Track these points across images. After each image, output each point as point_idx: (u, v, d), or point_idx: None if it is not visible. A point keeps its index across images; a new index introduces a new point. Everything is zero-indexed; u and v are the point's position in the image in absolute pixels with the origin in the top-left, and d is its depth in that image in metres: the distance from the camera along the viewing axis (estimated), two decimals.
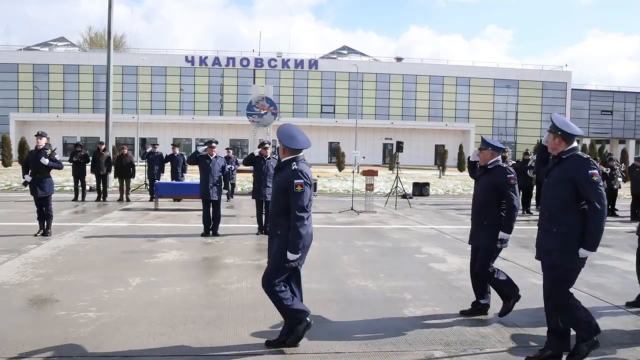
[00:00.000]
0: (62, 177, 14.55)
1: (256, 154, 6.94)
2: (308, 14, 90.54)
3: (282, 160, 2.84)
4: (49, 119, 37.66)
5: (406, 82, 42.75)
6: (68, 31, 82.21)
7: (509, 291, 3.42)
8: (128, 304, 3.60)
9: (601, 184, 2.61)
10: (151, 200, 10.37)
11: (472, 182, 13.93)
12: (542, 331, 3.24)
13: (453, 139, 41.06)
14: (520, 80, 43.62)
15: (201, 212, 6.74)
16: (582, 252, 2.57)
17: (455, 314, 3.54)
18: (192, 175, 13.59)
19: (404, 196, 11.68)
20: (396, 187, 11.29)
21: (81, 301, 3.61)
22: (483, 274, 3.41)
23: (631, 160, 22.22)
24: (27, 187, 6.33)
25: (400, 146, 11.45)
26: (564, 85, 43.94)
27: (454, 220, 8.96)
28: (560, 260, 2.62)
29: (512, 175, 3.31)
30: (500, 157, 3.47)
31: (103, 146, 11.22)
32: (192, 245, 5.91)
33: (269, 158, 6.84)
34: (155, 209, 9.29)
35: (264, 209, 6.80)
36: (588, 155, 2.66)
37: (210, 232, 6.58)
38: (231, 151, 11.73)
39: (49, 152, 6.18)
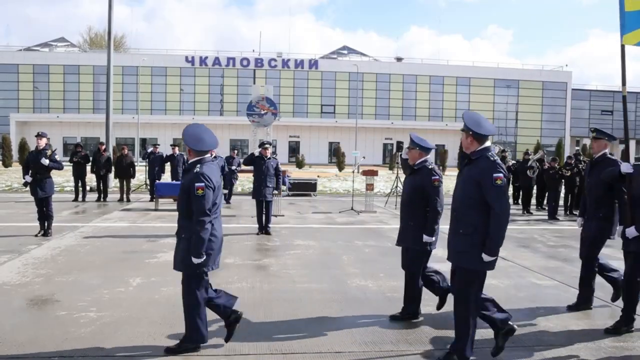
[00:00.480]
0: (63, 178, 14.56)
1: (256, 154, 6.95)
2: (308, 14, 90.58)
3: (189, 162, 2.81)
4: (49, 120, 37.69)
5: (406, 82, 42.76)
6: (69, 32, 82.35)
7: (441, 292, 3.38)
8: (128, 304, 3.60)
9: (505, 188, 2.52)
10: (151, 200, 10.38)
11: None
12: (542, 330, 3.24)
13: (453, 139, 41.04)
14: (520, 80, 43.62)
15: None
16: (484, 256, 2.50)
17: None
18: None
19: None
20: (396, 187, 11.29)
21: (82, 301, 3.62)
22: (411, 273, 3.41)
23: (631, 160, 22.19)
24: (28, 188, 6.33)
25: (400, 146, 11.45)
26: (564, 85, 43.93)
27: None
28: (466, 263, 2.56)
29: (437, 177, 3.21)
30: (428, 157, 3.37)
31: (103, 146, 11.23)
32: None
33: (269, 158, 6.85)
34: (156, 209, 9.30)
35: (264, 209, 6.81)
36: (496, 158, 2.56)
37: None
38: (235, 151, 11.87)
39: (49, 152, 6.18)
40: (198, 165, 2.72)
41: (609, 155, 3.59)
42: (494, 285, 4.34)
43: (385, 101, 42.66)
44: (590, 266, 3.65)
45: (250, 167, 7.20)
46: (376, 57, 45.38)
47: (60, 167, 6.37)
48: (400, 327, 3.27)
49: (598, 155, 3.64)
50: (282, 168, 7.66)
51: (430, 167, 3.28)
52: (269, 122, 14.53)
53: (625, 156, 3.37)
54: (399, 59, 44.97)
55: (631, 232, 3.16)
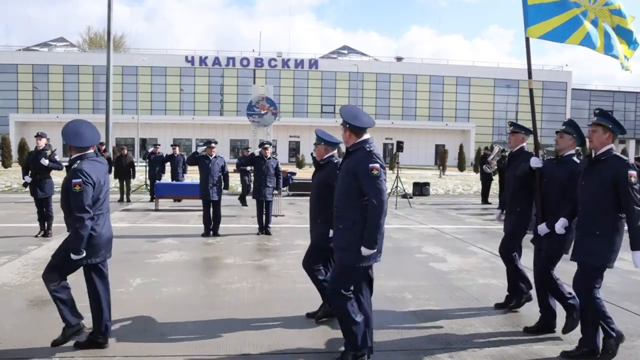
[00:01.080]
0: (63, 178, 14.53)
1: (256, 154, 6.95)
2: (310, 14, 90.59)
3: (70, 158, 2.83)
4: (48, 120, 37.67)
5: (406, 82, 42.77)
6: (69, 32, 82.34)
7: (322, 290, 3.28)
8: (129, 305, 3.60)
9: (382, 178, 2.45)
10: (152, 200, 10.38)
11: (472, 182, 14.03)
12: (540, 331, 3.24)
13: (453, 138, 41.06)
14: (520, 80, 43.61)
15: (201, 213, 6.75)
16: (362, 249, 2.44)
17: (456, 313, 3.54)
18: (193, 175, 13.59)
19: (405, 196, 11.69)
20: (396, 186, 11.29)
21: (82, 302, 3.61)
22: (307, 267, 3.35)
23: (631, 160, 22.21)
24: (27, 188, 6.33)
25: (400, 146, 11.46)
26: (564, 85, 43.96)
27: (454, 220, 8.97)
28: (345, 258, 2.51)
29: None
30: (335, 152, 3.28)
31: (103, 147, 11.22)
32: (192, 246, 5.91)
33: (269, 158, 6.85)
34: (156, 210, 9.30)
35: (264, 209, 6.81)
36: (373, 148, 2.49)
37: (211, 232, 6.58)
38: (247, 150, 11.16)
39: (48, 153, 6.18)
40: (78, 162, 2.71)
41: (526, 150, 3.57)
42: (494, 285, 4.34)
43: (386, 101, 42.67)
44: (510, 259, 3.62)
45: (250, 167, 7.20)
46: (376, 57, 45.41)
47: (60, 167, 6.37)
48: (401, 326, 3.27)
49: (516, 149, 3.61)
50: (282, 168, 7.66)
51: (335, 161, 3.02)
52: (269, 122, 14.54)
53: (535, 149, 3.31)
54: (399, 59, 44.99)
55: (542, 228, 3.09)
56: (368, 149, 2.49)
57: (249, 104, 14.53)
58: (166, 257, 5.25)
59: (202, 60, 40.87)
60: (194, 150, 7.62)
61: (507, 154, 12.06)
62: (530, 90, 3.48)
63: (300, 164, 29.30)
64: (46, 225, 6.26)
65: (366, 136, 2.56)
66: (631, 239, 2.68)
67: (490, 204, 11.72)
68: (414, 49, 77.68)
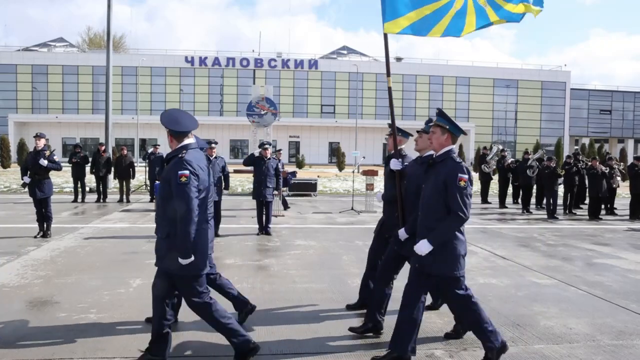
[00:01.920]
0: (62, 179, 14.54)
1: (256, 154, 6.95)
2: (311, 14, 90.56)
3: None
4: (48, 120, 37.66)
5: (406, 82, 42.79)
6: (69, 32, 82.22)
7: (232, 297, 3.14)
8: (129, 306, 3.59)
9: (190, 185, 2.35)
10: (151, 201, 10.37)
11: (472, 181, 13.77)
12: (542, 330, 3.24)
13: None
14: (519, 80, 43.67)
15: None
16: (179, 259, 2.38)
17: None
18: None
19: None
20: None
21: (82, 303, 3.61)
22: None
23: (630, 160, 22.26)
24: (26, 189, 6.32)
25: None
26: (563, 84, 43.99)
27: None
28: (166, 266, 2.47)
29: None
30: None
31: (103, 147, 11.21)
32: None
33: (269, 158, 6.85)
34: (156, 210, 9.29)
35: (264, 210, 6.81)
36: (183, 155, 2.43)
37: None
38: (280, 151, 10.02)
39: (47, 153, 6.17)
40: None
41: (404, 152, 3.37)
42: (494, 285, 4.34)
43: (385, 101, 42.46)
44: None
45: (250, 168, 7.20)
46: (376, 57, 45.41)
47: (58, 167, 6.36)
48: None
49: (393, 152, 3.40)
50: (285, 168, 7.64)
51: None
52: (269, 122, 14.54)
53: (395, 150, 3.19)
54: (398, 59, 45.00)
55: (402, 233, 2.92)
56: (180, 156, 2.44)
57: (248, 104, 14.52)
58: None
59: (202, 61, 40.86)
60: None
61: (506, 153, 12.11)
62: (389, 89, 3.37)
63: (300, 164, 29.30)
64: (45, 226, 6.25)
65: (186, 141, 2.52)
66: (433, 232, 2.47)
67: (489, 203, 11.73)
68: (414, 49, 77.75)
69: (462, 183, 2.43)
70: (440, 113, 2.67)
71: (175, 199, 2.41)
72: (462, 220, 2.47)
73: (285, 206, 9.60)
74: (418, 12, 3.19)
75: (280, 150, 10.70)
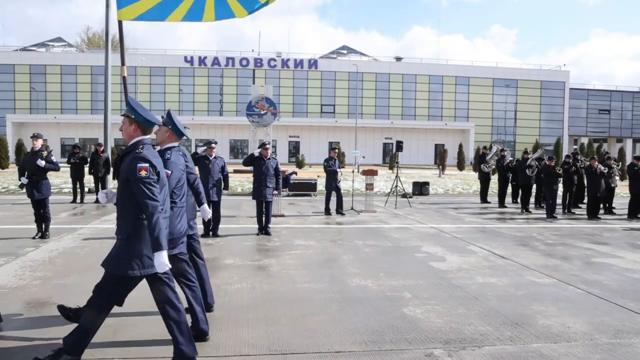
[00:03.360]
0: (61, 179, 14.52)
1: (256, 154, 6.94)
2: (313, 14, 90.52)
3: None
4: (46, 121, 37.61)
5: (406, 82, 42.82)
6: (69, 32, 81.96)
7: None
8: (128, 305, 3.58)
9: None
10: None
11: (472, 181, 14.08)
12: (540, 329, 3.25)
13: (453, 138, 41.11)
14: (519, 79, 43.73)
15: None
16: None
17: (455, 312, 3.55)
18: None
19: (404, 195, 11.70)
20: (396, 186, 11.30)
21: (80, 304, 3.61)
22: None
23: (629, 159, 22.31)
24: (24, 190, 6.31)
25: (400, 146, 11.47)
26: (562, 84, 44.06)
27: (453, 219, 8.97)
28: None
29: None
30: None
31: (101, 148, 11.19)
32: None
33: (269, 158, 6.85)
34: None
35: (264, 210, 6.80)
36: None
37: (210, 233, 6.57)
38: (335, 151, 9.45)
39: (45, 153, 6.15)
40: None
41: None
42: (493, 284, 4.35)
43: (385, 101, 42.70)
44: None
45: (250, 168, 7.19)
46: (376, 57, 45.43)
47: (56, 168, 6.34)
48: (400, 325, 3.27)
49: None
50: (282, 168, 7.64)
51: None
52: (268, 122, 14.53)
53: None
54: (398, 59, 45.04)
55: None
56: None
57: (248, 104, 14.51)
58: None
59: (202, 61, 40.84)
60: (193, 150, 7.57)
61: (506, 153, 12.13)
62: (123, 79, 3.34)
63: (300, 164, 29.28)
64: (43, 227, 6.23)
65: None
66: (151, 240, 2.34)
67: (489, 203, 11.74)
68: (415, 49, 77.79)
69: (142, 173, 2.32)
70: (129, 102, 2.54)
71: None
72: (155, 206, 2.31)
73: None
74: None
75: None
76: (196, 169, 6.51)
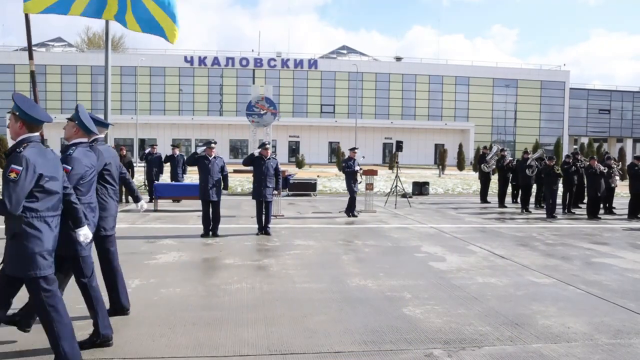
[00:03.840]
0: None
1: (256, 154, 6.95)
2: (313, 14, 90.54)
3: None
4: None
5: (406, 82, 42.82)
6: (70, 32, 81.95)
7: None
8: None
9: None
10: (150, 201, 10.36)
11: (472, 181, 14.09)
12: (540, 329, 3.25)
13: (452, 138, 41.12)
14: (519, 79, 43.72)
15: (201, 213, 6.74)
16: None
17: (455, 312, 3.55)
18: (192, 176, 13.59)
19: (404, 195, 11.70)
20: (396, 186, 11.30)
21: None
22: None
23: (629, 159, 22.30)
24: None
25: (400, 145, 11.47)
26: (562, 84, 44.06)
27: (453, 219, 8.98)
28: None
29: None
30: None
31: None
32: (191, 246, 5.90)
33: (269, 158, 6.85)
34: (155, 210, 9.29)
35: (263, 209, 6.81)
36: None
37: (210, 233, 6.58)
38: (355, 151, 9.11)
39: None
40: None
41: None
42: (493, 284, 4.36)
43: (385, 101, 42.71)
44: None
45: (250, 168, 7.20)
46: (376, 57, 45.44)
47: None
48: (400, 326, 3.27)
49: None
50: (282, 168, 7.64)
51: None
52: (268, 122, 14.54)
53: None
54: (398, 59, 45.05)
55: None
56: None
57: (248, 104, 14.53)
58: (165, 258, 5.25)
59: (201, 61, 40.84)
60: (193, 150, 7.56)
61: (506, 153, 12.14)
62: (32, 73, 3.32)
63: (300, 164, 29.29)
64: None
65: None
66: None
67: (489, 202, 11.75)
68: (415, 49, 77.83)
69: (12, 175, 2.24)
70: (14, 98, 2.47)
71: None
72: (5, 209, 2.24)
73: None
74: None
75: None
76: (196, 169, 6.60)
